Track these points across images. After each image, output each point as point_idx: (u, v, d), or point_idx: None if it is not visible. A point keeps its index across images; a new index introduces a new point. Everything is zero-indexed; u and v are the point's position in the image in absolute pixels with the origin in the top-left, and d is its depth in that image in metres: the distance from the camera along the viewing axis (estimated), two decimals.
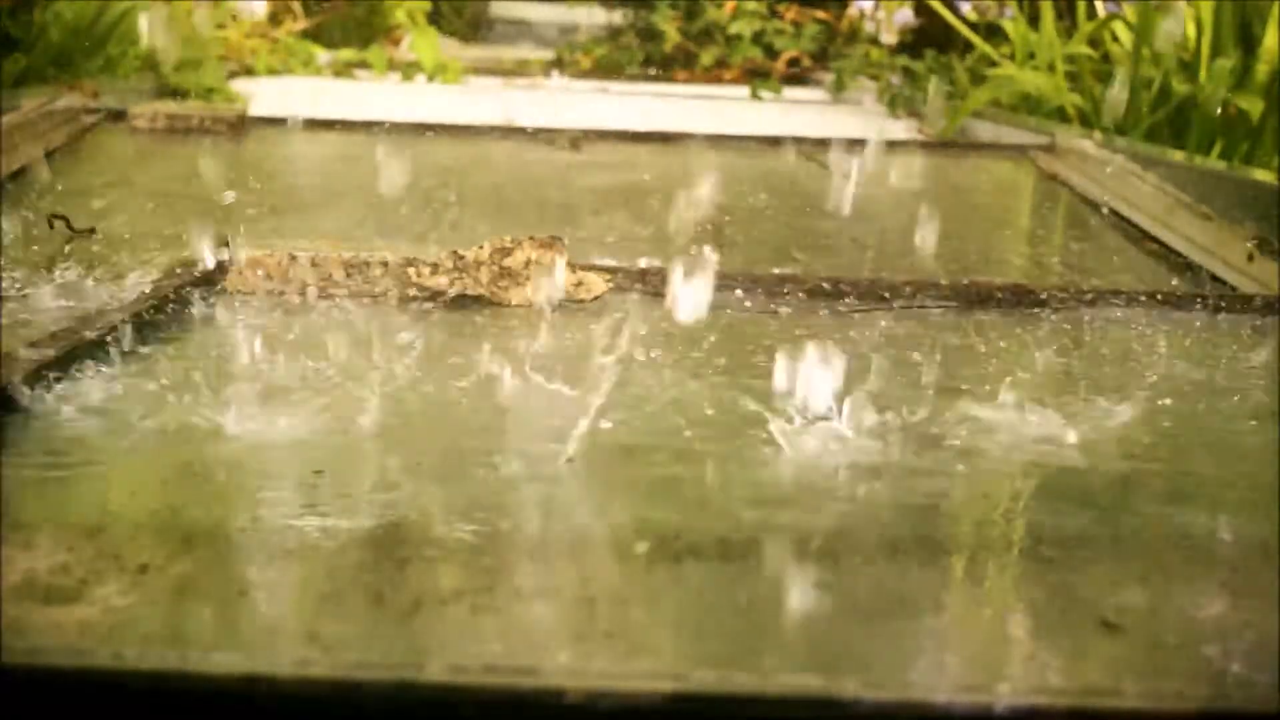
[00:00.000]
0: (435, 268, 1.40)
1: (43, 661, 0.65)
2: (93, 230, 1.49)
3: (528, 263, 1.40)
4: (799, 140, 2.78)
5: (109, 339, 1.14)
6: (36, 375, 1.03)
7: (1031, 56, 3.31)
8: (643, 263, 1.55)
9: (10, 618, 0.67)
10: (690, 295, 1.08)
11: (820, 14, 4.36)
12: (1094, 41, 3.26)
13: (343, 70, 4.03)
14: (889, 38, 3.98)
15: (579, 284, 1.41)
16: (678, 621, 0.73)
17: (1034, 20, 3.36)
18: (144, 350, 1.17)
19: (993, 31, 3.58)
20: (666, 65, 4.46)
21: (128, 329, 1.17)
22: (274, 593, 0.74)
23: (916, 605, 0.76)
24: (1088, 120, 3.06)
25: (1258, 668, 0.69)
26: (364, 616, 0.70)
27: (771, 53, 4.31)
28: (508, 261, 1.40)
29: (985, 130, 3.11)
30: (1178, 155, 2.64)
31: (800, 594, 0.76)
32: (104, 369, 1.10)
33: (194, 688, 0.64)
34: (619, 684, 0.64)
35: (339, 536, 0.81)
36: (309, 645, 0.66)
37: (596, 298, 1.42)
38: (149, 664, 0.64)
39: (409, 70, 4.08)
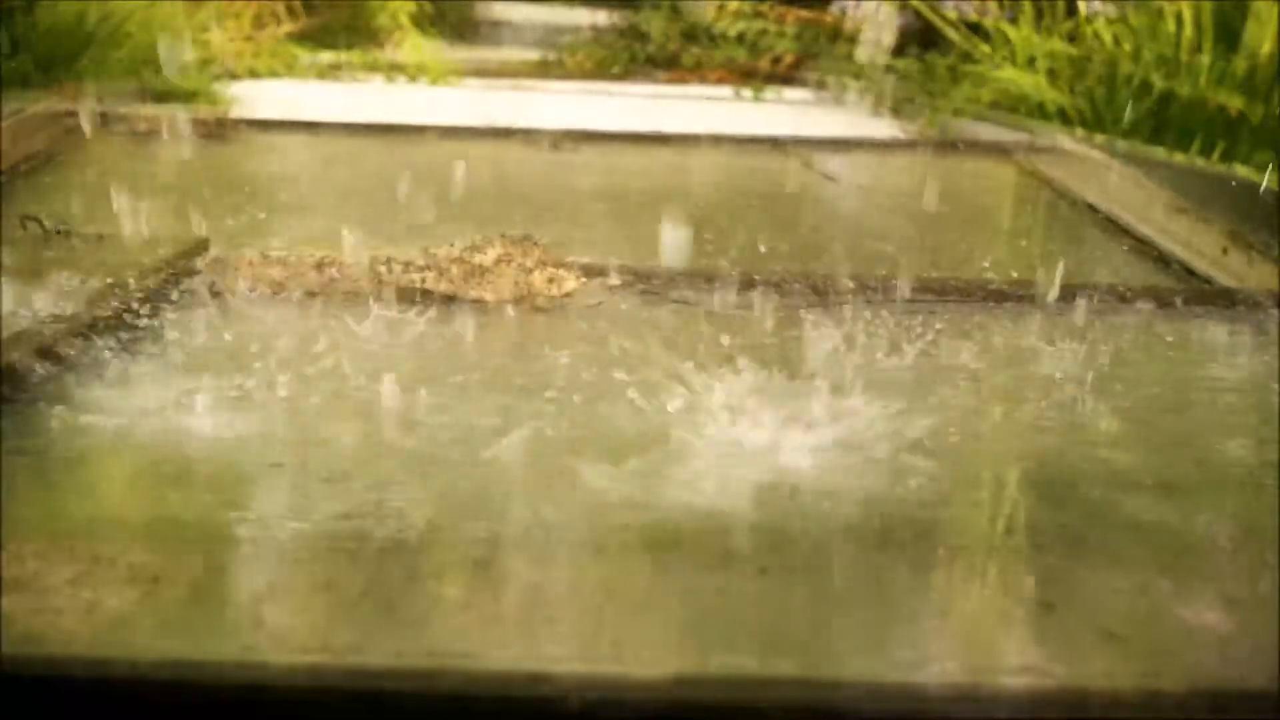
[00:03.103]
0: (407, 266, 1.41)
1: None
2: (68, 232, 1.50)
3: (499, 260, 1.41)
4: (784, 140, 2.79)
5: (85, 338, 1.15)
6: (12, 374, 1.04)
7: (1012, 55, 3.32)
8: (615, 260, 1.56)
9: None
10: None
11: (806, 14, 4.37)
12: (1075, 39, 3.27)
13: (329, 73, 4.04)
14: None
15: (551, 280, 1.42)
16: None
17: (1016, 19, 3.37)
18: (117, 348, 1.17)
19: (978, 31, 3.58)
20: (654, 65, 4.46)
21: (104, 328, 1.18)
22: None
23: None
24: (1068, 117, 3.07)
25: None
26: (319, 605, 0.71)
27: (756, 52, 4.32)
28: (479, 259, 1.41)
29: (967, 128, 3.12)
30: (1157, 152, 2.65)
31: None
32: (80, 367, 1.10)
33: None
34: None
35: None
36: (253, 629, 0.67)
37: (568, 294, 1.43)
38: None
39: (395, 72, 4.09)
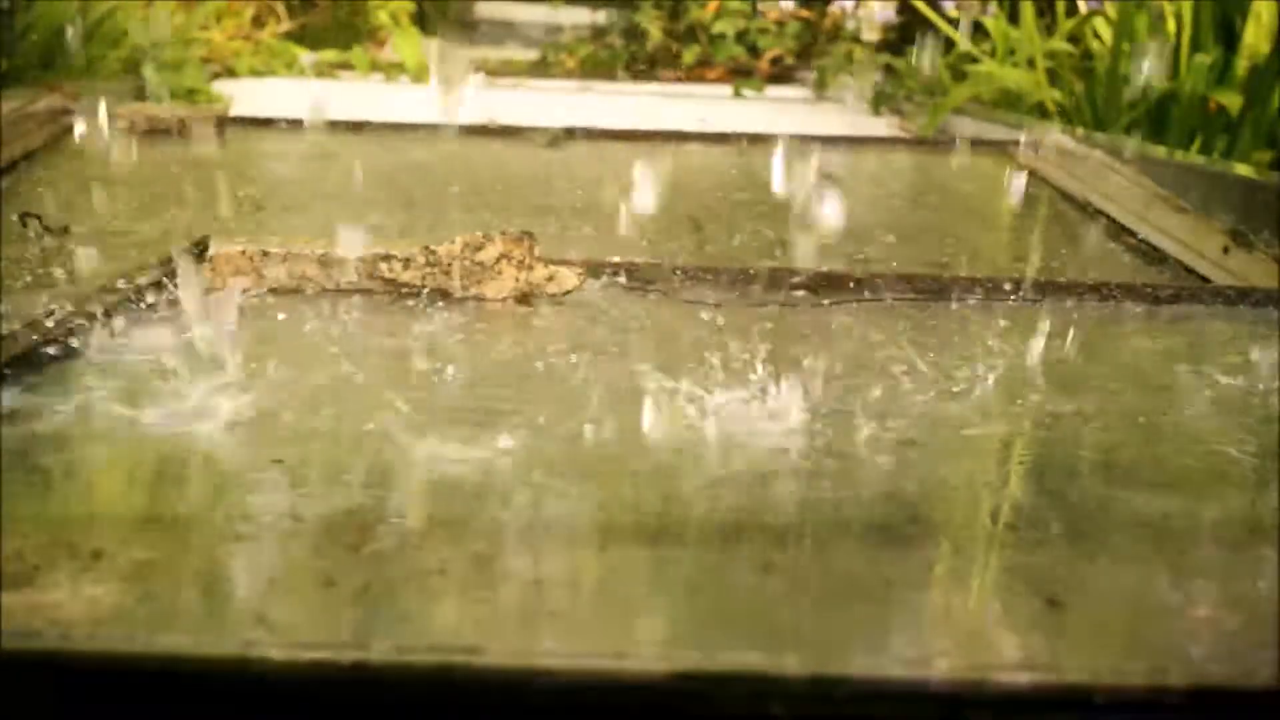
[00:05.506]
0: (407, 263, 1.41)
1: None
2: (66, 229, 1.50)
3: (499, 258, 1.40)
4: (783, 138, 2.78)
5: (79, 335, 1.15)
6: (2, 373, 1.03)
7: (1012, 53, 3.32)
8: (615, 257, 1.55)
9: None
10: None
11: (803, 12, 4.37)
12: (1075, 38, 3.27)
13: (326, 71, 4.03)
14: (871, 35, 3.99)
15: (550, 278, 1.42)
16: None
17: (1015, 17, 3.37)
18: (112, 347, 1.17)
19: (974, 28, 3.58)
20: (651, 65, 4.47)
21: (97, 325, 1.18)
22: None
23: None
24: (1068, 116, 3.07)
25: None
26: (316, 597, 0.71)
27: (755, 51, 4.32)
28: (479, 256, 1.40)
29: (966, 126, 3.12)
30: (1157, 150, 2.65)
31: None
32: (71, 366, 1.10)
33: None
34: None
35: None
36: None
37: (568, 292, 1.42)
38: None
39: (392, 71, 4.08)
